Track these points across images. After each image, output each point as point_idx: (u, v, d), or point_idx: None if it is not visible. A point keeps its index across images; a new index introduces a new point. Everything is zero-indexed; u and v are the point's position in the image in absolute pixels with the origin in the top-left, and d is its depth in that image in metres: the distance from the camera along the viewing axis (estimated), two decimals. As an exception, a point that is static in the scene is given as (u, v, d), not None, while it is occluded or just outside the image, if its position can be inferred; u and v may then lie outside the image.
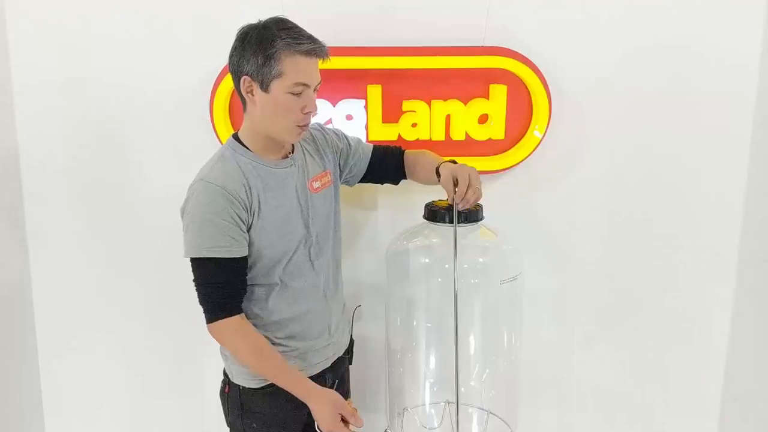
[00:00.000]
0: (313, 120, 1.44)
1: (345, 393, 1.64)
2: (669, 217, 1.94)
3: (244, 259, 1.34)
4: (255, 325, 1.41)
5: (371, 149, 1.60)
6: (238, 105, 1.76)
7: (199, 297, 1.32)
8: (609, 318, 2.00)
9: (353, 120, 1.77)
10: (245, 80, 1.30)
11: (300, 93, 1.28)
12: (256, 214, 1.34)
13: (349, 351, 1.64)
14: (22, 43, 1.78)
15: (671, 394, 2.06)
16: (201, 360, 1.96)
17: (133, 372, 1.99)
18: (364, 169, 1.60)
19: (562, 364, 2.04)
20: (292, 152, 1.44)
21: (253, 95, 1.31)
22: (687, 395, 2.06)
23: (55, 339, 1.96)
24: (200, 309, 1.34)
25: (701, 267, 1.97)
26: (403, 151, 1.61)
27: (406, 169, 1.59)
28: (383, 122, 1.78)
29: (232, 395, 1.46)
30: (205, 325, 1.34)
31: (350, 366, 1.67)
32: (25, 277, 1.91)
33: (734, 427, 2.03)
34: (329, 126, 1.63)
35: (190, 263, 1.32)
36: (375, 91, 1.76)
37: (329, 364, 1.53)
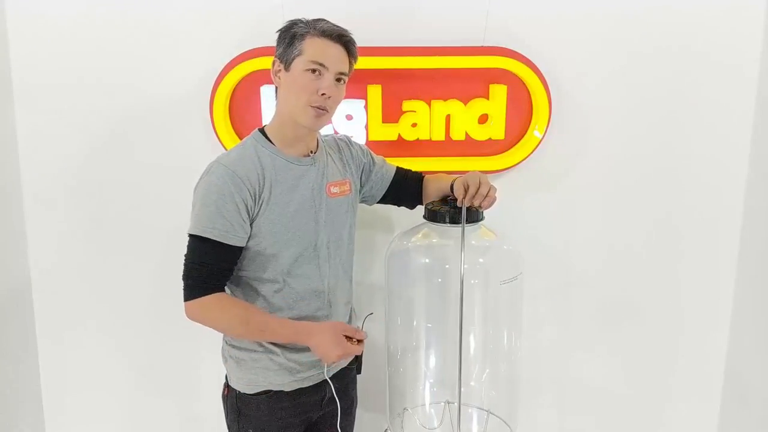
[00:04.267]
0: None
1: (350, 403, 1.61)
2: (669, 217, 1.94)
3: (238, 248, 1.33)
4: None
5: (394, 171, 1.62)
6: (238, 105, 1.78)
7: (183, 271, 1.32)
8: (609, 318, 2.00)
9: (353, 120, 1.77)
10: (275, 62, 1.36)
11: (318, 73, 1.31)
12: (264, 202, 1.34)
13: (357, 360, 1.57)
14: (22, 44, 1.78)
15: (671, 394, 2.06)
16: (201, 360, 1.96)
17: (133, 372, 1.99)
18: (385, 189, 1.61)
19: (562, 364, 2.04)
20: (315, 152, 1.44)
21: (279, 78, 1.36)
22: (686, 395, 2.06)
23: (55, 339, 1.96)
24: None
25: (701, 267, 1.97)
26: (423, 177, 1.63)
27: (423, 194, 1.61)
28: (383, 122, 1.78)
29: (230, 399, 1.46)
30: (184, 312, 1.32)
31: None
32: (25, 277, 1.91)
33: (734, 427, 2.03)
34: (356, 140, 1.64)
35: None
36: (375, 91, 1.76)
37: (330, 375, 1.46)
